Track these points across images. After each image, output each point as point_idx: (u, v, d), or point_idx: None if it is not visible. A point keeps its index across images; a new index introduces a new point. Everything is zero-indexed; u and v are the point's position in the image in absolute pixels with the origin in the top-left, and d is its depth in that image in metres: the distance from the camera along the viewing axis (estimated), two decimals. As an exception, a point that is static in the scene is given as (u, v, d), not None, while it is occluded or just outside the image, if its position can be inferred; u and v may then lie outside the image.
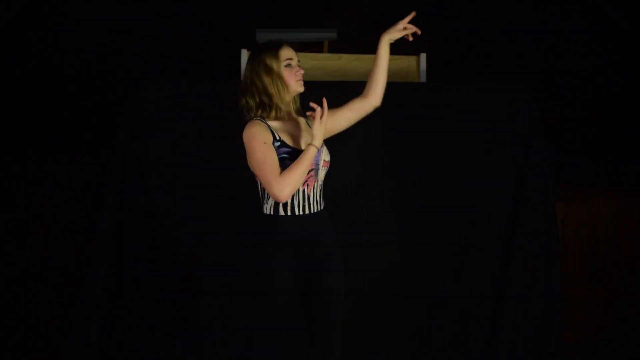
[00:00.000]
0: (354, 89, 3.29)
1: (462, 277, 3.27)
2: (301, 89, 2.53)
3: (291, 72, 2.50)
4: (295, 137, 2.52)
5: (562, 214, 3.91)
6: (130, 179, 3.15)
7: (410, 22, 2.63)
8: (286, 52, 2.51)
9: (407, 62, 3.55)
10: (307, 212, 2.49)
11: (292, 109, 2.56)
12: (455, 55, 4.42)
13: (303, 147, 2.49)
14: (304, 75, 2.54)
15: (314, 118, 2.44)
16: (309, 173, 2.47)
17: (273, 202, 2.47)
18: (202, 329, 3.17)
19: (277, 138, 2.45)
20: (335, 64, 3.53)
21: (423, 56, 3.52)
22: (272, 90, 2.47)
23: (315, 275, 2.48)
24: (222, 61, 4.01)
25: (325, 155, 2.56)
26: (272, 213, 2.47)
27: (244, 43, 3.49)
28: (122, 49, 4.24)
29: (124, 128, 3.16)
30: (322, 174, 2.55)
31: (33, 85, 4.11)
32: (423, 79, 3.50)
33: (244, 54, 3.38)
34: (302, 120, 2.60)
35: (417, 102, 3.32)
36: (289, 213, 2.47)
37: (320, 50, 3.68)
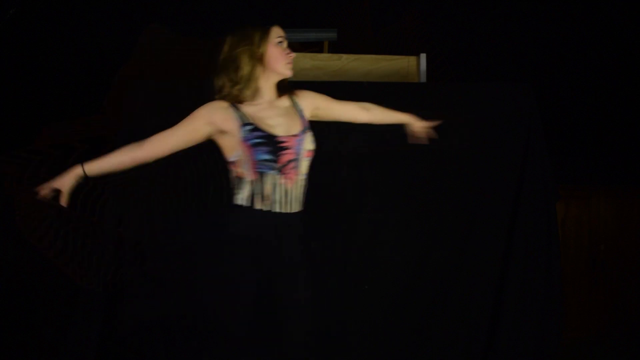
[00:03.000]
0: (354, 89, 3.31)
1: (462, 277, 3.27)
2: (289, 72, 2.34)
3: (282, 52, 2.32)
4: (272, 122, 2.29)
5: (562, 214, 3.91)
6: (130, 178, 3.14)
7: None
8: (277, 31, 2.35)
9: (407, 62, 3.55)
10: (284, 209, 2.26)
11: (274, 92, 2.38)
12: (455, 55, 4.42)
13: (280, 132, 2.28)
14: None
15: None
16: (288, 164, 2.27)
17: (250, 192, 2.26)
18: (202, 329, 3.17)
19: (248, 122, 2.27)
20: (335, 64, 3.53)
21: (423, 56, 3.52)
22: (254, 71, 2.29)
23: (278, 283, 2.30)
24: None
25: (309, 144, 2.35)
26: (247, 204, 2.26)
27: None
28: (121, 49, 4.24)
29: (124, 128, 3.17)
30: (304, 165, 2.33)
31: (32, 85, 4.11)
32: (423, 79, 3.50)
33: (244, 54, 3.38)
34: (284, 104, 2.39)
35: (417, 102, 3.32)
36: (265, 208, 2.25)
37: (320, 50, 3.68)
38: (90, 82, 4.16)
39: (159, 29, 4.06)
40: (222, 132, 2.30)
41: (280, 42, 2.32)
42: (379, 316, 3.24)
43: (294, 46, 2.58)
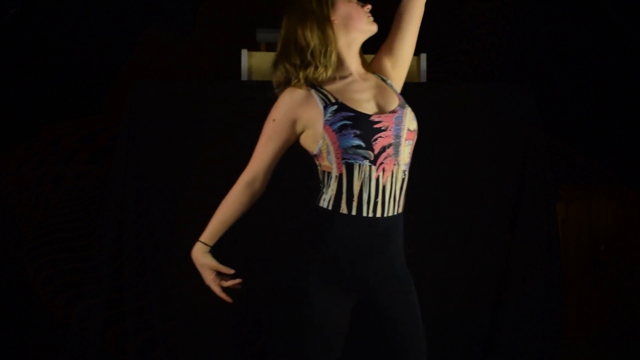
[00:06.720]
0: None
1: (462, 277, 3.27)
2: (374, 28, 1.89)
3: (356, 9, 1.86)
4: (362, 97, 1.82)
5: (562, 214, 3.91)
6: (131, 178, 3.14)
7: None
8: None
9: (407, 62, 3.55)
10: (378, 214, 1.76)
11: (359, 63, 1.92)
12: (455, 55, 4.42)
13: (371, 110, 1.79)
14: None
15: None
16: (385, 150, 1.76)
17: (335, 192, 1.76)
18: (203, 329, 3.17)
19: (333, 101, 1.78)
20: (335, 64, 3.52)
21: (423, 56, 3.52)
22: (327, 39, 1.81)
23: (384, 304, 1.88)
24: (222, 61, 4.02)
25: (411, 123, 1.84)
26: (329, 207, 1.76)
27: (244, 43, 3.49)
28: (121, 49, 4.24)
29: (124, 128, 3.17)
30: (405, 152, 1.81)
31: (33, 85, 4.11)
32: (423, 79, 3.50)
33: (244, 54, 3.38)
34: (373, 78, 1.93)
35: (417, 102, 3.31)
36: (353, 212, 1.74)
37: (321, 50, 3.68)
38: (90, 82, 4.17)
39: (159, 29, 4.07)
40: (307, 125, 1.81)
41: None
42: (379, 316, 3.24)
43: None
